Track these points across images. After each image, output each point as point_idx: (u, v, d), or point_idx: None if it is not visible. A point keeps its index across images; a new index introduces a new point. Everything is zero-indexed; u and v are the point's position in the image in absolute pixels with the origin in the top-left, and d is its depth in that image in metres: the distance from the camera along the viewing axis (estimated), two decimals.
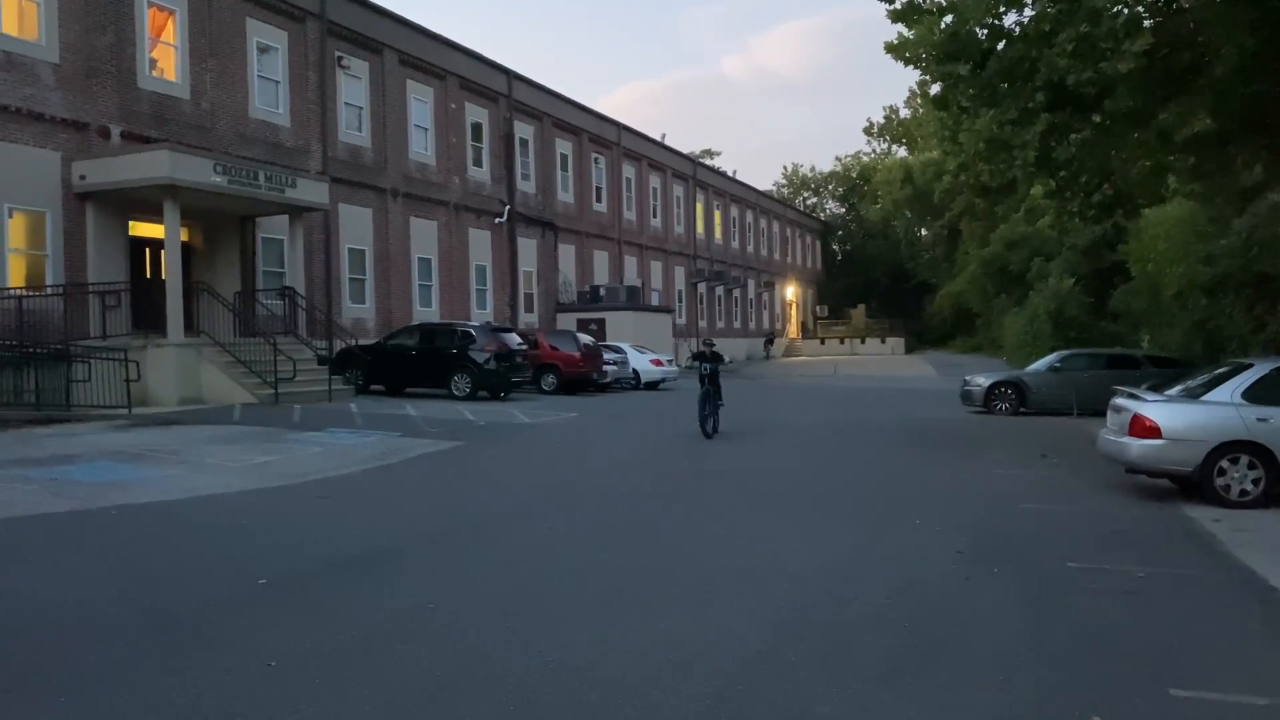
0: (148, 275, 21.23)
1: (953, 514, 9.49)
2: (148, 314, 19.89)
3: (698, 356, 17.22)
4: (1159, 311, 26.55)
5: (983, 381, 22.11)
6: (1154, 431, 10.10)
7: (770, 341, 58.68)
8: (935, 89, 17.62)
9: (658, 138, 49.61)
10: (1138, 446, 10.25)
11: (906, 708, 4.55)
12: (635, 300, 39.13)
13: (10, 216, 18.32)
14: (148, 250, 21.35)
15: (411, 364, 23.21)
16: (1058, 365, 21.95)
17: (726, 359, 18.48)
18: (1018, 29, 15.45)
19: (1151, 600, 6.46)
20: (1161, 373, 17.51)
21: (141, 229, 20.92)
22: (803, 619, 5.96)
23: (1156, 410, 10.30)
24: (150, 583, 6.65)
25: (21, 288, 18.22)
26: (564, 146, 39.24)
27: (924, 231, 72.58)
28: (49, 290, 18.58)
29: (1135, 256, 28.38)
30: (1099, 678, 4.95)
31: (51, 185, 18.94)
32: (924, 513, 9.51)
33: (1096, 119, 15.99)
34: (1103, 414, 11.97)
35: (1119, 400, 11.11)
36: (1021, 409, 21.17)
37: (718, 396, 16.53)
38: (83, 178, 19.24)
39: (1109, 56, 13.47)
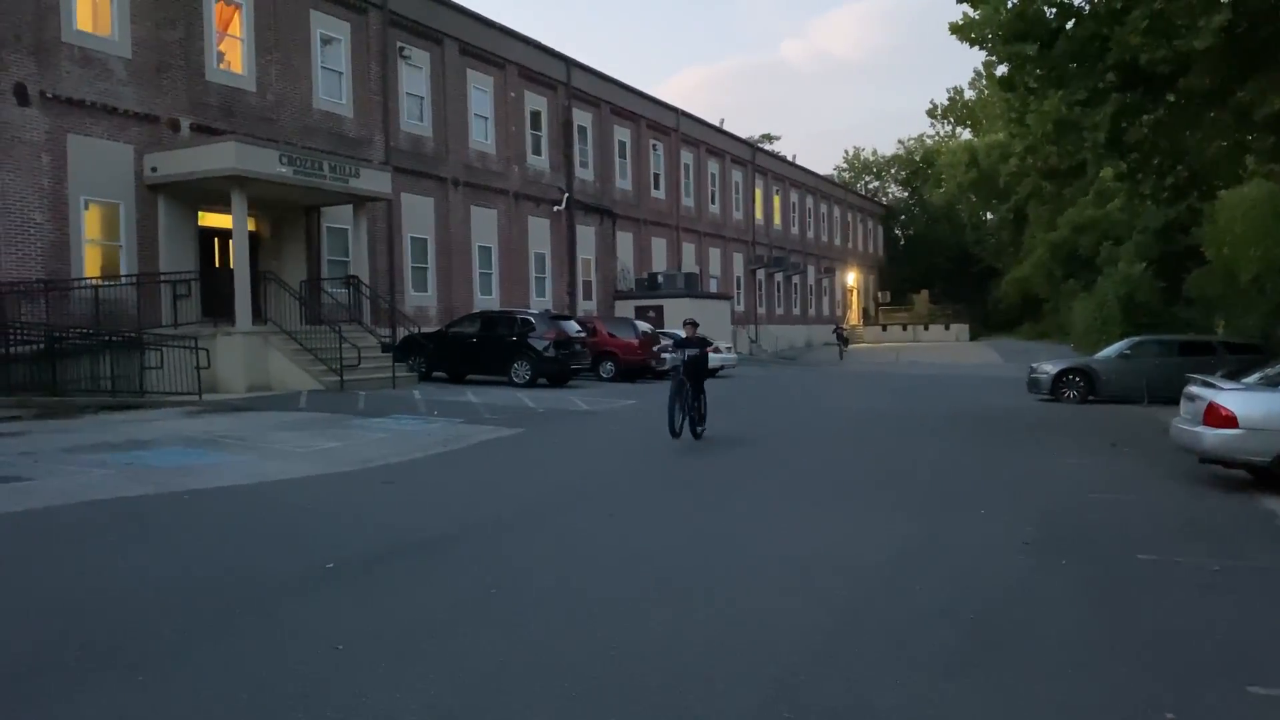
0: (216, 265, 21.75)
1: (1019, 504, 9.32)
2: (217, 303, 20.37)
3: (680, 345, 14.16)
4: (1235, 296, 25.76)
5: (1050, 369, 21.66)
6: (1230, 421, 9.79)
7: (845, 339, 49.34)
8: (1001, 70, 17.28)
9: (716, 123, 49.35)
10: (1213, 436, 9.95)
11: (971, 701, 4.48)
12: (693, 287, 39.04)
13: (86, 208, 18.88)
14: (216, 240, 21.86)
15: (472, 351, 23.45)
16: (1128, 352, 21.41)
17: (721, 345, 14.49)
18: (1088, 7, 15.07)
19: (1227, 594, 6.27)
20: (1238, 360, 17.00)
21: (210, 219, 21.42)
22: (865, 610, 5.90)
23: (1233, 398, 9.98)
24: (221, 565, 6.82)
25: (97, 277, 18.79)
26: (622, 133, 39.22)
27: (989, 215, 71.25)
28: (123, 280, 19.13)
29: (1210, 240, 27.51)
30: (1172, 673, 4.83)
31: (125, 177, 19.47)
32: (990, 502, 9.36)
33: (1170, 98, 15.55)
34: (1175, 402, 11.64)
35: (1193, 388, 10.80)
36: (1090, 397, 20.71)
37: (698, 391, 13.71)
38: (154, 170, 19.74)
39: (1184, 33, 13.07)
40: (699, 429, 13.80)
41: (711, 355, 31.28)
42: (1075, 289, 45.77)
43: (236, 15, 22.25)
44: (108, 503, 8.98)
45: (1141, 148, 16.32)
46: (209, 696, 4.40)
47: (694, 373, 13.45)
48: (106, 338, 17.64)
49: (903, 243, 78.72)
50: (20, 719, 4.15)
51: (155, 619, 5.54)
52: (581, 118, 36.16)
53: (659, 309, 36.00)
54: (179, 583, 6.35)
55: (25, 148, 17.74)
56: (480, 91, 30.57)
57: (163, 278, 19.70)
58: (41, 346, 16.76)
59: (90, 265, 18.95)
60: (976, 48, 16.21)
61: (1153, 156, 16.85)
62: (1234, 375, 11.04)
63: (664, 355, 13.63)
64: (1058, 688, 4.62)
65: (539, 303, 32.16)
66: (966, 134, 78.60)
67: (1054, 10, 15.22)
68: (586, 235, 36.30)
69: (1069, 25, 15.10)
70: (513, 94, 31.98)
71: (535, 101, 33.44)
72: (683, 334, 13.74)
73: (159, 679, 4.61)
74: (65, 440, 12.65)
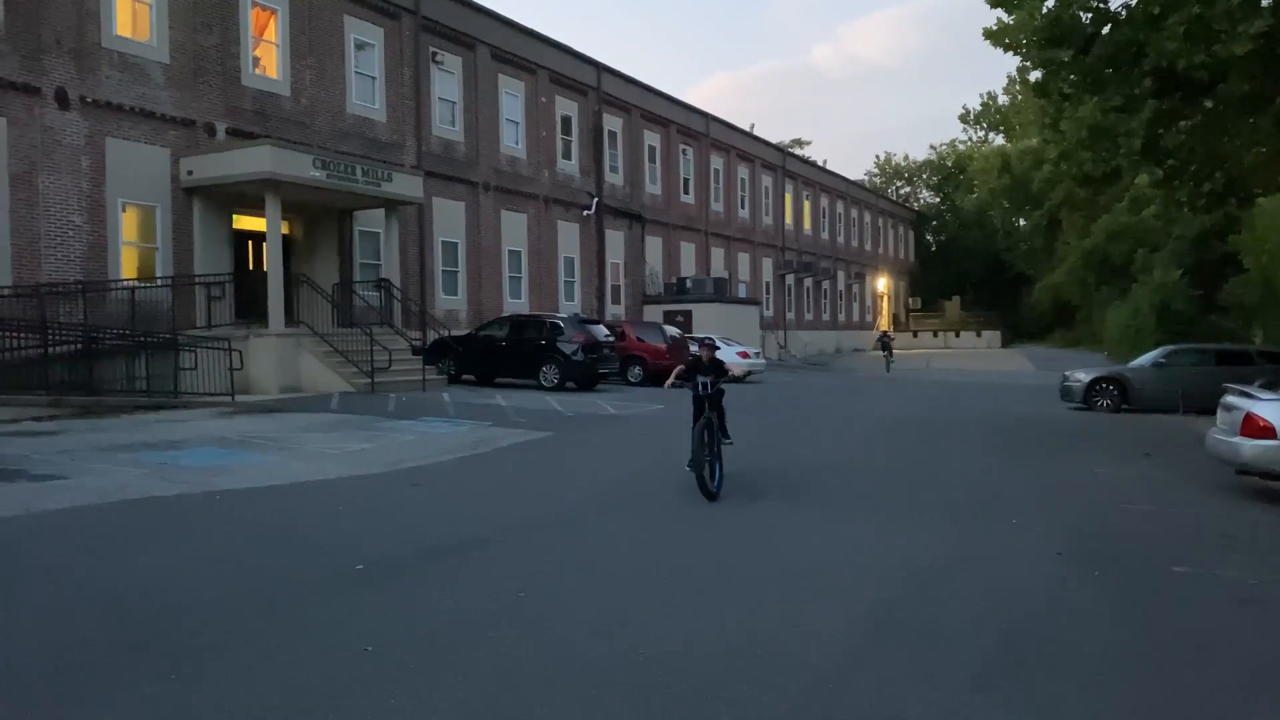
0: (250, 267, 21.99)
1: (1051, 514, 9.22)
2: (250, 305, 20.61)
3: (692, 368, 10.64)
4: (1273, 305, 25.38)
5: (1083, 377, 21.41)
6: (1268, 431, 9.63)
7: (889, 349, 41.39)
8: (1036, 75, 17.12)
9: (746, 128, 49.27)
10: (1250, 447, 9.80)
11: (1001, 714, 4.43)
12: (722, 292, 38.99)
13: (124, 211, 19.16)
14: (250, 243, 22.11)
15: (501, 355, 23.55)
16: (1163, 360, 21.11)
17: (733, 370, 12.36)
18: (1124, 12, 14.90)
19: (1266, 609, 6.17)
20: (1276, 369, 16.71)
21: (244, 222, 21.66)
22: (894, 619, 5.86)
23: (1271, 409, 9.82)
24: (252, 566, 6.89)
25: (134, 279, 19.06)
26: (652, 138, 39.27)
27: (1022, 222, 70.61)
28: (159, 281, 19.40)
29: (1248, 247, 27.14)
30: (1208, 690, 4.75)
31: (161, 180, 19.75)
32: (1021, 512, 9.26)
33: (1208, 104, 15.35)
34: (1211, 412, 11.47)
35: (1230, 398, 10.64)
36: (1124, 406, 20.45)
37: (722, 422, 10.48)
38: (190, 173, 20.00)
39: (1223, 39, 12.89)
40: (716, 488, 10.10)
41: (740, 361, 31.37)
42: (1109, 297, 45.30)
43: (272, 20, 22.50)
44: (142, 502, 9.10)
45: (1178, 154, 16.12)
46: (240, 696, 4.44)
47: (713, 402, 10.34)
48: (142, 338, 17.88)
49: (934, 248, 78.20)
50: (57, 715, 4.21)
51: (188, 618, 5.60)
52: (612, 123, 36.24)
53: (688, 314, 36.00)
54: (211, 582, 6.41)
55: (65, 151, 18.04)
56: (511, 96, 30.72)
57: (197, 280, 19.95)
58: (79, 347, 17.01)
59: (127, 267, 19.23)
60: (1011, 53, 16.08)
61: (1189, 163, 16.64)
62: (1272, 385, 10.86)
63: (670, 384, 10.81)
64: (1090, 701, 4.56)
65: (568, 307, 32.25)
66: (999, 139, 78.05)
67: (1090, 16, 15.07)
68: (615, 240, 36.36)
69: (1105, 30, 14.95)
70: (544, 99, 32.11)
71: (566, 106, 33.56)
72: (700, 354, 10.76)
73: (192, 678, 4.65)
74: (101, 439, 12.83)
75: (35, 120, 17.61)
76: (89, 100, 18.39)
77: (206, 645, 5.14)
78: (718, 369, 10.62)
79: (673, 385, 10.84)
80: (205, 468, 10.95)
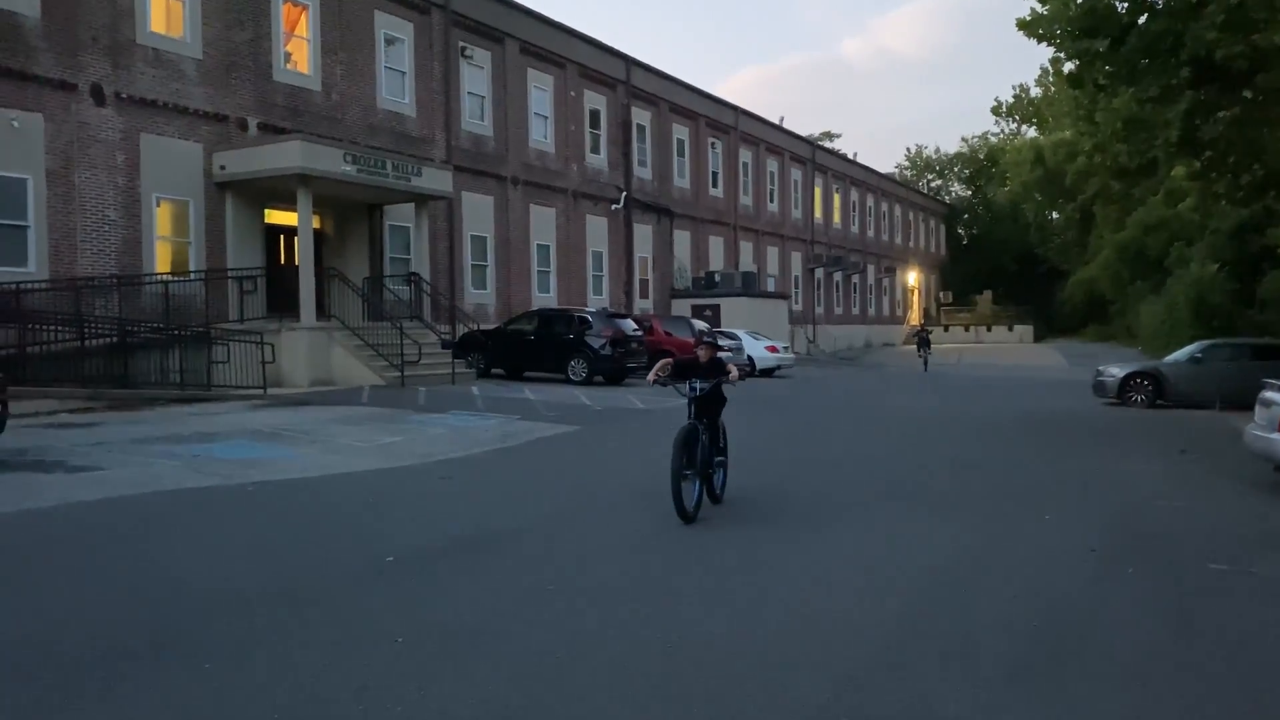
0: (282, 261, 22.17)
1: (1085, 510, 9.11)
2: (282, 298, 20.78)
3: (684, 367, 9.07)
4: None
5: (1117, 372, 21.16)
6: None
7: (927, 345, 36.58)
8: (1070, 66, 16.90)
9: (776, 121, 49.03)
10: None
11: (1035, 711, 4.38)
12: (751, 286, 38.85)
13: (158, 206, 19.38)
14: (282, 237, 22.29)
15: (530, 349, 23.60)
16: (1199, 356, 20.81)
17: (733, 374, 8.90)
18: (1161, 1, 14.67)
19: None
20: None
21: (276, 217, 21.84)
22: (926, 615, 5.81)
23: None
24: (285, 558, 6.95)
25: (168, 273, 19.29)
26: (681, 132, 39.17)
27: (1055, 215, 69.78)
28: (192, 275, 19.60)
29: None
30: (1247, 689, 4.68)
31: (194, 175, 19.95)
32: (1054, 508, 9.16)
33: (1247, 95, 15.08)
34: (1249, 408, 11.30)
35: (1269, 394, 10.46)
36: (1159, 401, 20.19)
37: (716, 438, 8.97)
38: (222, 168, 20.19)
39: (1263, 27, 12.66)
40: (718, 489, 9.18)
41: (768, 356, 31.08)
42: (1143, 291, 44.70)
43: (303, 16, 22.65)
44: (176, 493, 9.21)
45: (1216, 146, 15.87)
46: (272, 686, 4.48)
47: (706, 410, 8.83)
48: (176, 332, 18.09)
49: (965, 242, 77.52)
50: (91, 704, 4.27)
51: (221, 609, 5.66)
52: (640, 116, 36.19)
53: (716, 308, 35.91)
54: (245, 573, 6.48)
55: (101, 147, 18.26)
56: (540, 90, 30.74)
57: (230, 274, 20.15)
58: (114, 340, 17.24)
59: (161, 261, 19.45)
60: (1044, 44, 15.90)
61: (1228, 155, 16.38)
62: None
63: (653, 379, 9.02)
64: (1125, 700, 4.50)
65: (596, 301, 32.27)
66: (1032, 132, 77.14)
67: (1125, 5, 14.87)
68: (644, 234, 36.33)
69: (1141, 20, 14.74)
70: (572, 93, 32.12)
71: (594, 100, 33.54)
72: (699, 354, 9.05)
73: (224, 668, 4.70)
74: (136, 432, 13.00)
75: (72, 117, 17.84)
76: (124, 96, 18.61)
77: (240, 635, 5.19)
78: (716, 369, 8.86)
79: (656, 382, 9.00)
80: (238, 460, 11.06)
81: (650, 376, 9.10)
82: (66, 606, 5.67)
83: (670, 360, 9.22)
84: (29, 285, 16.77)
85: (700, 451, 8.44)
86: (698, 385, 8.67)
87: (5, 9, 16.87)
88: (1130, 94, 14.88)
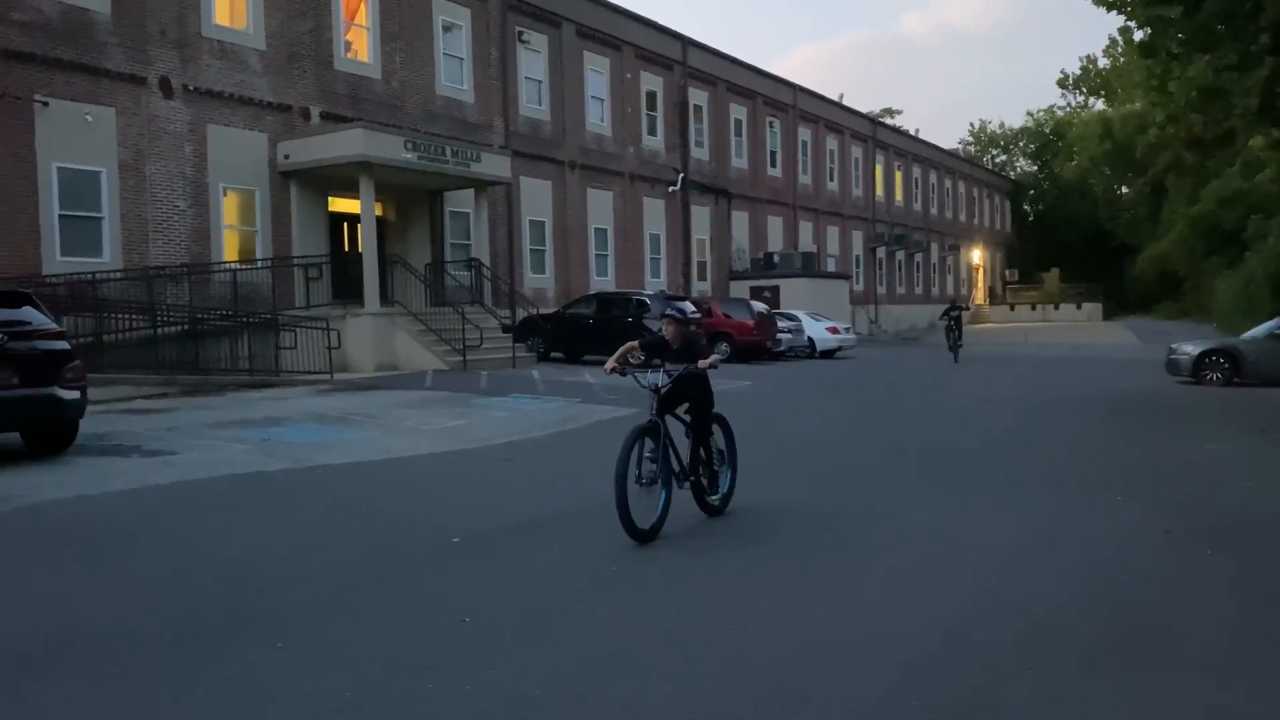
0: (345, 248, 22.52)
1: (1159, 491, 8.87)
2: (346, 285, 21.13)
3: (649, 348, 7.40)
4: None
5: (1191, 349, 20.54)
6: None
7: (957, 323, 28.35)
8: (1141, 35, 16.37)
9: (835, 98, 48.39)
10: None
11: (1106, 696, 4.28)
12: (810, 266, 38.49)
13: (225, 195, 19.80)
14: (345, 225, 22.63)
15: (588, 332, 23.68)
16: (1278, 332, 20.12)
17: (704, 362, 7.12)
18: None
19: None
20: None
21: (339, 204, 22.18)
22: (994, 597, 5.71)
23: None
24: (354, 539, 7.08)
25: (235, 261, 19.71)
26: (738, 111, 38.86)
27: (1124, 189, 67.89)
28: (259, 263, 20.01)
29: None
30: None
31: (259, 165, 20.34)
32: (1127, 489, 8.93)
33: None
34: None
35: None
36: (1235, 380, 19.56)
37: (703, 438, 7.49)
38: (286, 157, 20.54)
39: None
40: (713, 495, 7.66)
41: (828, 337, 30.71)
42: (1219, 266, 43.37)
43: (363, 5, 22.90)
44: (247, 476, 9.43)
45: None
46: (344, 664, 4.56)
47: (679, 400, 7.33)
48: (244, 319, 18.50)
49: (1031, 219, 75.85)
50: (168, 679, 4.39)
51: (292, 589, 5.78)
52: (697, 97, 35.97)
53: (775, 289, 35.65)
54: (314, 554, 6.61)
55: (170, 138, 18.70)
56: (597, 73, 30.72)
57: (295, 261, 20.53)
58: (185, 327, 17.69)
59: (229, 250, 19.89)
60: (1114, 12, 15.42)
61: None
62: None
63: (610, 368, 7.23)
64: (1202, 686, 4.37)
65: (653, 284, 32.25)
66: (1100, 104, 75.04)
67: None
68: (701, 215, 36.16)
69: None
70: (629, 75, 32.04)
71: (651, 82, 33.42)
72: (665, 333, 7.42)
73: (297, 645, 4.80)
74: (207, 416, 13.34)
75: (142, 109, 18.28)
76: (191, 88, 19.01)
77: (311, 615, 5.30)
78: (688, 354, 7.21)
79: (614, 370, 7.21)
80: (306, 443, 11.28)
81: (608, 365, 7.22)
82: (145, 586, 5.84)
83: (636, 344, 7.44)
84: (104, 275, 17.26)
85: (657, 454, 6.91)
86: (669, 369, 7.08)
87: (79, 6, 17.34)
88: (1206, 62, 14.38)
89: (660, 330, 7.53)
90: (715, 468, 7.65)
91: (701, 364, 7.19)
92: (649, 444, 6.89)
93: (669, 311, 7.62)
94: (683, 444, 7.40)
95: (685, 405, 7.44)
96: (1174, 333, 34.55)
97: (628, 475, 6.61)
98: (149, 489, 8.75)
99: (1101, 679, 4.46)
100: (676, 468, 7.17)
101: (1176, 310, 55.04)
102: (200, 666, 4.53)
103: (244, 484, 9.10)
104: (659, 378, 7.03)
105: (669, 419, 7.18)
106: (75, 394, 10.02)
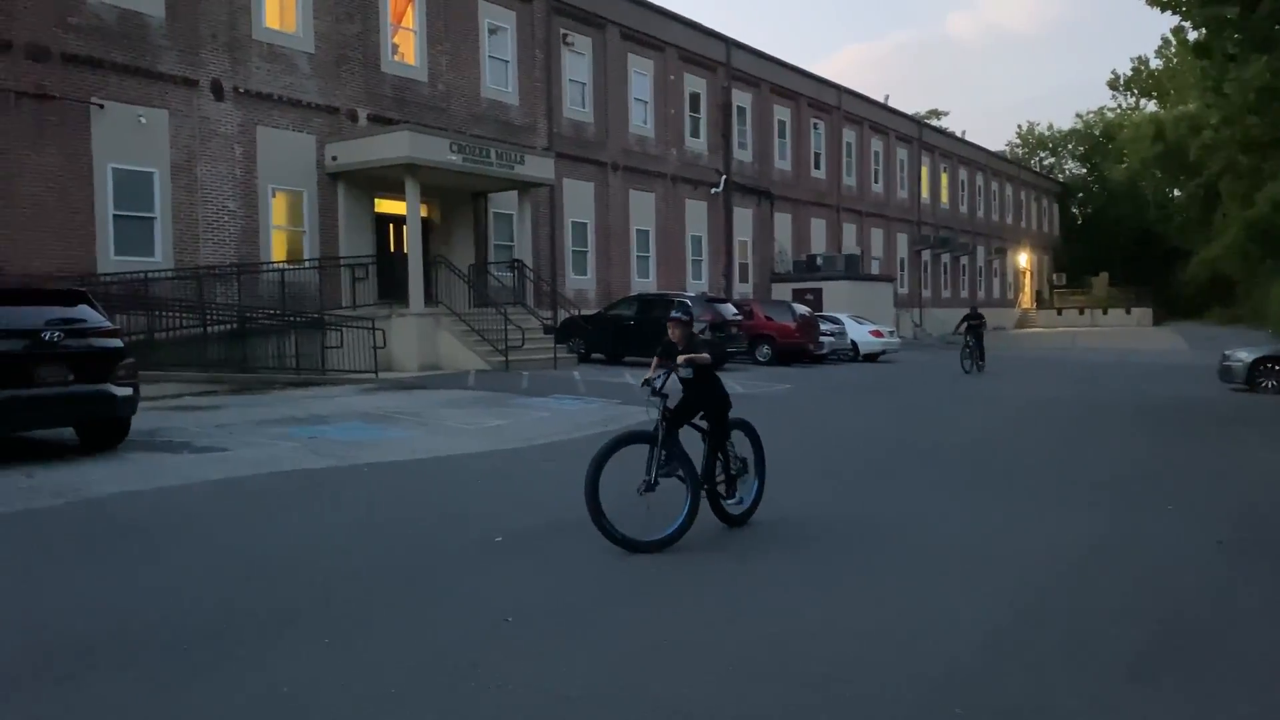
0: (391, 249, 22.75)
1: (1211, 501, 8.69)
2: (391, 285, 21.34)
3: (662, 351, 7.30)
4: None
5: (1246, 356, 20.07)
6: None
7: (977, 335, 25.11)
8: (1196, 35, 16.05)
9: (880, 100, 48.01)
10: None
11: (1157, 708, 4.20)
12: (854, 269, 38.22)
13: (274, 196, 20.09)
14: (391, 226, 22.86)
15: (630, 333, 23.69)
16: None
17: (686, 359, 7.10)
18: None
19: None
20: None
21: (385, 206, 22.42)
22: (1040, 605, 5.63)
23: None
24: (398, 537, 7.14)
25: (283, 261, 19.99)
26: (782, 113, 38.70)
27: (1176, 192, 66.60)
28: (306, 263, 20.28)
29: None
30: None
31: (307, 166, 20.62)
32: (1178, 498, 8.76)
33: None
34: None
35: None
36: None
37: (720, 444, 7.31)
38: (334, 159, 20.80)
39: None
40: (729, 501, 7.46)
41: (871, 340, 30.42)
42: (1274, 270, 42.36)
43: (409, 8, 23.13)
44: (294, 474, 9.56)
45: None
46: (388, 661, 4.61)
47: (693, 410, 7.25)
48: (292, 318, 18.75)
49: (1080, 222, 74.73)
50: (215, 674, 4.46)
51: (338, 586, 5.85)
52: (740, 98, 35.88)
53: (818, 291, 35.43)
54: (359, 551, 6.69)
55: (221, 140, 19.02)
56: (640, 75, 30.76)
57: (342, 262, 20.78)
58: (234, 326, 17.97)
59: (277, 250, 20.18)
60: (1168, 12, 15.14)
61: None
62: None
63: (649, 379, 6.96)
64: (1257, 700, 4.28)
65: (695, 286, 32.22)
66: (1152, 106, 73.76)
67: None
68: (744, 217, 36.06)
69: None
70: (672, 77, 32.05)
71: (694, 83, 33.39)
72: (671, 335, 7.27)
73: (342, 642, 4.86)
74: (255, 414, 13.55)
75: (194, 111, 18.61)
76: (241, 91, 19.32)
77: (356, 612, 5.36)
78: (691, 344, 7.25)
79: (647, 383, 6.98)
80: (351, 442, 11.41)
81: (646, 378, 7.02)
82: (194, 581, 5.94)
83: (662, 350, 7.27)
84: (156, 274, 17.60)
85: (671, 459, 6.82)
86: (683, 374, 7.05)
87: (134, 10, 17.69)
88: (1264, 62, 14.06)
89: (707, 327, 7.68)
90: (733, 473, 7.40)
91: (680, 359, 7.06)
92: (647, 451, 6.83)
93: (674, 313, 7.37)
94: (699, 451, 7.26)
95: (701, 413, 7.26)
96: (1226, 339, 33.81)
97: (599, 483, 6.53)
98: (198, 484, 8.91)
99: (1152, 691, 4.39)
100: (683, 473, 6.98)
101: (1228, 316, 53.96)
102: (249, 662, 4.60)
103: (291, 481, 9.23)
104: (657, 378, 6.96)
105: (688, 428, 7.15)
106: (128, 391, 10.23)
